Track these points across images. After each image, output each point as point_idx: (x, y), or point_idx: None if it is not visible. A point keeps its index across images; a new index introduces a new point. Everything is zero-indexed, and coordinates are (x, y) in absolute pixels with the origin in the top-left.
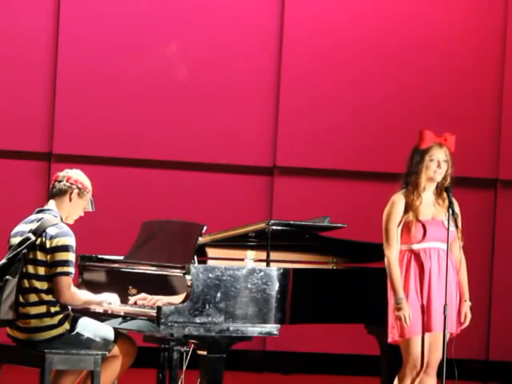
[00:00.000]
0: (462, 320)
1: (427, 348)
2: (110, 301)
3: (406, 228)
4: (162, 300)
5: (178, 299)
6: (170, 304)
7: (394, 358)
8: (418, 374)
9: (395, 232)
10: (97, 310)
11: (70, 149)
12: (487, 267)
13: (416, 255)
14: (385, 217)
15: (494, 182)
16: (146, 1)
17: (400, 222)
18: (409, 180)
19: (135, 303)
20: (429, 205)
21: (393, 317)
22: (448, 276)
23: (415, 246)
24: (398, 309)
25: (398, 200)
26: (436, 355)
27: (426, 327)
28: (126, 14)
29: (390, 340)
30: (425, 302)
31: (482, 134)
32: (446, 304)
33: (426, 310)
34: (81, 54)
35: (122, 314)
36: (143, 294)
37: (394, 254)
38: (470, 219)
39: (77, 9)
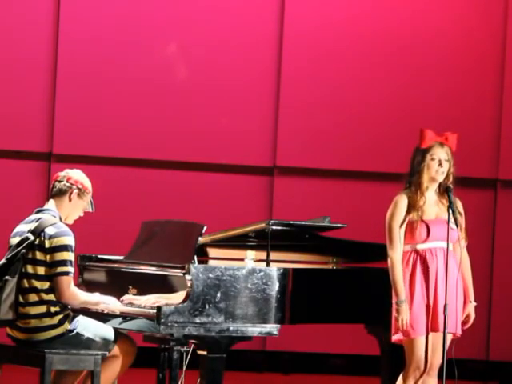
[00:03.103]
0: (465, 318)
1: (431, 349)
2: (109, 303)
3: (410, 228)
4: (160, 302)
5: (173, 296)
6: (168, 304)
7: (393, 357)
8: (421, 375)
9: (398, 232)
10: (99, 310)
11: (69, 149)
12: (487, 267)
13: (421, 255)
14: (388, 217)
15: (494, 182)
16: (146, 1)
17: (403, 222)
18: (411, 180)
19: (131, 303)
20: (432, 204)
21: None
22: (451, 276)
23: (420, 246)
24: (397, 311)
25: (401, 200)
26: (438, 356)
27: (432, 327)
28: (125, 14)
29: (394, 339)
30: (431, 302)
31: (482, 134)
32: (445, 304)
33: (432, 311)
34: (81, 54)
35: (118, 313)
36: (138, 296)
37: (397, 254)
38: (470, 219)
39: (77, 9)
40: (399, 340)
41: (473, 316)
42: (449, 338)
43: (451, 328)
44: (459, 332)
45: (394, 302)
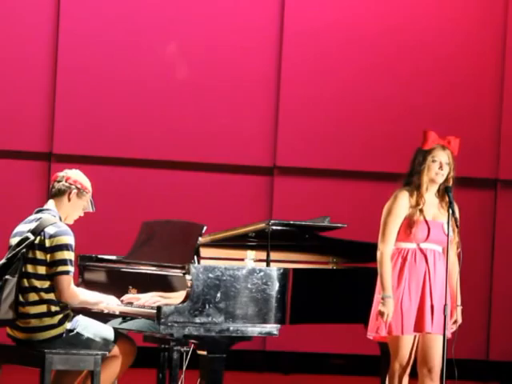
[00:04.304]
0: (452, 324)
1: (418, 348)
2: (109, 302)
3: (406, 226)
4: (160, 302)
5: (174, 296)
6: (168, 304)
7: None
8: (404, 371)
9: (393, 227)
10: (99, 310)
11: (70, 149)
12: (487, 267)
13: (412, 254)
14: (385, 210)
15: (494, 182)
16: (146, 1)
17: (399, 217)
18: (411, 180)
19: (131, 303)
20: (431, 206)
21: (377, 313)
22: (442, 278)
23: (413, 246)
24: (382, 305)
25: (402, 195)
26: (437, 358)
27: (419, 328)
28: (126, 14)
29: (373, 336)
30: (418, 302)
31: (482, 134)
32: (445, 304)
33: (418, 311)
34: (81, 54)
35: (118, 313)
36: (138, 295)
37: (388, 249)
38: (470, 219)
39: (77, 8)
40: (381, 337)
41: (460, 321)
42: (439, 338)
43: (440, 329)
44: (447, 335)
45: (379, 295)
